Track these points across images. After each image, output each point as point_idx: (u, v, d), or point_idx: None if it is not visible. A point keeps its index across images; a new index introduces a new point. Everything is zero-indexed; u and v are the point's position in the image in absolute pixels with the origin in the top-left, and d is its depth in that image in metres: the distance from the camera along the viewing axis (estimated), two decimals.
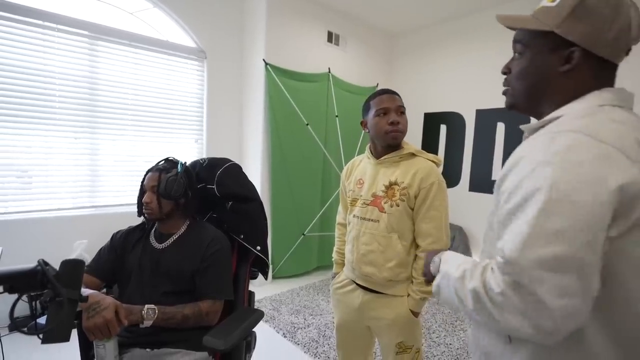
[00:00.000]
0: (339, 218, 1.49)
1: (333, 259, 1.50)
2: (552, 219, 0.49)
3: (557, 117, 0.60)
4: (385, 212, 1.20)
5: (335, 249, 1.50)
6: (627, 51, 0.60)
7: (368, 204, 1.24)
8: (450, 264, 0.66)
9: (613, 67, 0.61)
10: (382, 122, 1.21)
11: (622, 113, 0.56)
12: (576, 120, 0.56)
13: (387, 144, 1.23)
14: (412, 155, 1.23)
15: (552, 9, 0.61)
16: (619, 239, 0.50)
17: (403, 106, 1.24)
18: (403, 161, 1.23)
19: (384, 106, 1.21)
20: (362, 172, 1.32)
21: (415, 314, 1.23)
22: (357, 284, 1.30)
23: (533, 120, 0.68)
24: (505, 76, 0.71)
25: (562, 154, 0.51)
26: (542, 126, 0.61)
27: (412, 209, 1.20)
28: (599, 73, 0.60)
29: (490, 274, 0.55)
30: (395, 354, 1.25)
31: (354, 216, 1.29)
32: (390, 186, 1.20)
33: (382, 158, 1.25)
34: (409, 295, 1.22)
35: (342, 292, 1.36)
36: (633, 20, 0.57)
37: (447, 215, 1.21)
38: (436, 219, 1.18)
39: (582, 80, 0.60)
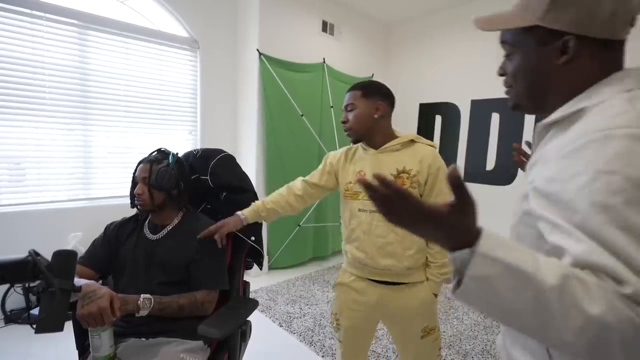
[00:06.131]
0: (297, 186, 1.36)
1: (255, 208, 1.32)
2: None
3: (581, 109, 0.53)
4: None
5: (265, 199, 1.35)
6: (633, 22, 0.52)
7: None
8: (511, 251, 0.42)
9: (619, 43, 0.54)
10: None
11: None
12: (617, 116, 0.47)
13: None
14: (412, 141, 1.22)
15: (531, 0, 0.55)
16: None
17: (351, 103, 1.22)
18: (404, 149, 1.21)
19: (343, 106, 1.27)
20: (360, 163, 1.27)
21: (435, 295, 1.25)
22: (371, 280, 1.24)
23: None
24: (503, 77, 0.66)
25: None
26: (559, 120, 0.56)
27: (421, 195, 1.19)
28: (604, 55, 0.53)
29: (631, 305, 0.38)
30: (420, 339, 1.25)
31: (359, 210, 1.22)
32: (399, 175, 1.18)
33: (383, 147, 1.22)
34: (427, 279, 1.23)
35: (354, 293, 1.28)
36: None
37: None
38: None
39: (587, 67, 0.54)
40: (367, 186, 0.45)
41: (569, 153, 0.48)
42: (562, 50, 0.54)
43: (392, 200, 0.44)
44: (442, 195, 1.17)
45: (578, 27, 0.52)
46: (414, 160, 1.18)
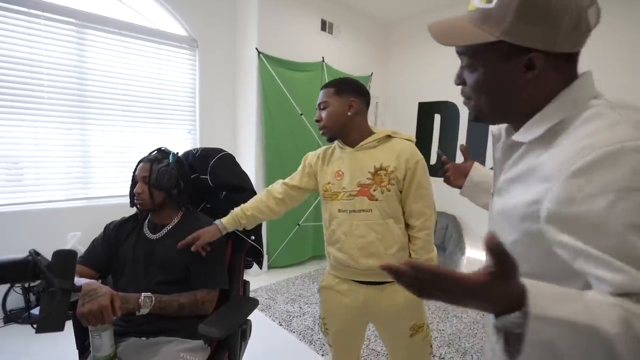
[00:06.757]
0: (277, 190, 1.32)
1: (235, 216, 1.28)
2: None
3: (561, 121, 0.53)
4: (376, 200, 1.16)
5: (245, 205, 1.30)
6: (590, 33, 0.53)
7: (355, 195, 1.17)
8: (564, 304, 0.40)
9: (577, 54, 0.55)
10: None
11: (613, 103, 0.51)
12: (605, 130, 0.47)
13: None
14: (389, 137, 1.21)
15: (492, 12, 0.52)
16: None
17: (325, 101, 1.20)
18: (381, 145, 1.19)
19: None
20: (338, 163, 1.23)
21: None
22: (355, 281, 1.23)
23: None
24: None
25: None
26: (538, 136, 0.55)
27: (400, 191, 1.18)
28: (566, 66, 0.54)
29: None
30: (409, 337, 1.22)
31: (339, 211, 1.20)
32: (377, 172, 1.16)
33: (359, 145, 1.19)
34: None
35: (338, 295, 1.26)
36: None
37: (432, 191, 1.21)
38: (425, 197, 1.18)
39: (552, 80, 0.54)
40: (396, 273, 0.42)
41: (581, 170, 0.45)
42: (527, 65, 0.53)
43: (429, 282, 0.41)
44: (422, 189, 1.17)
45: (544, 43, 0.50)
46: (391, 156, 1.16)
